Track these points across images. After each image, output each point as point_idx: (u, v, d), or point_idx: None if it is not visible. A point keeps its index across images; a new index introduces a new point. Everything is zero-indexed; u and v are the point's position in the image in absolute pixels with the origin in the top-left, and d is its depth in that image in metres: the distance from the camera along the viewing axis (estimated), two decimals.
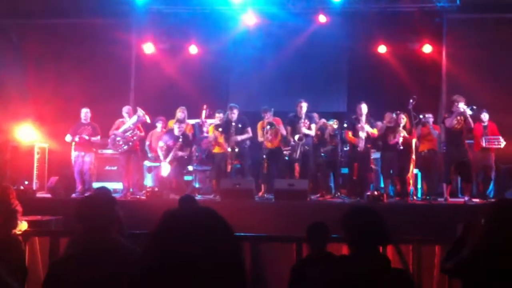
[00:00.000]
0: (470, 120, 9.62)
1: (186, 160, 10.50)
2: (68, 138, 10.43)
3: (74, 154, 10.49)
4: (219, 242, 1.56)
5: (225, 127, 10.34)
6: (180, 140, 10.16)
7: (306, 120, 10.19)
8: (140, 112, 10.48)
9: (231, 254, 1.57)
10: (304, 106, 10.24)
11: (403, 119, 9.98)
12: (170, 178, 10.18)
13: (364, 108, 10.20)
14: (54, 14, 12.37)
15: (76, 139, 10.39)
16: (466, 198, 9.57)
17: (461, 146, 9.78)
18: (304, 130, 10.12)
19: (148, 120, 10.64)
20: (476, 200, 9.67)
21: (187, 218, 1.62)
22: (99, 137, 10.59)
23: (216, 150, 10.58)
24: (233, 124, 10.22)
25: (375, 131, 10.21)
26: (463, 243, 3.54)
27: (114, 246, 2.76)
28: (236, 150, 10.11)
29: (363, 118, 10.15)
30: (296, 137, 10.09)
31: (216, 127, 10.51)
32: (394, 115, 10.12)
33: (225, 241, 1.59)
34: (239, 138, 10.18)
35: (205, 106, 11.44)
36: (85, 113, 10.59)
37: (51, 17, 12.46)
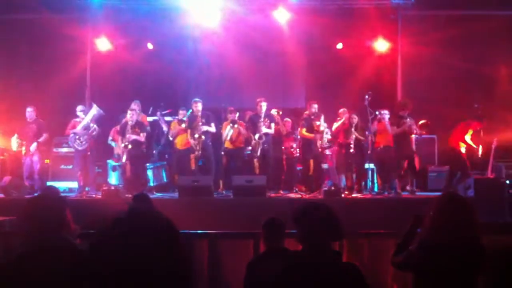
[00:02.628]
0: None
1: (144, 153, 10.43)
2: (13, 141, 10.39)
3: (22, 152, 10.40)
4: (162, 245, 1.57)
5: (190, 121, 10.38)
6: (131, 123, 10.13)
7: (267, 119, 10.29)
8: (96, 107, 10.35)
9: (175, 257, 1.58)
10: (264, 105, 10.34)
11: (355, 119, 10.23)
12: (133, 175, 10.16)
13: (314, 107, 10.47)
14: (6, 9, 12.02)
15: (13, 142, 10.39)
16: (409, 188, 10.06)
17: (411, 144, 10.06)
18: (264, 129, 10.20)
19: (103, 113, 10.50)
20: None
21: (130, 221, 1.62)
22: (44, 135, 10.44)
23: (179, 146, 10.59)
24: (198, 116, 10.30)
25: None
26: (412, 235, 3.61)
27: (61, 246, 2.72)
28: (203, 137, 10.16)
29: (321, 119, 10.35)
30: (257, 136, 10.17)
31: (179, 122, 10.53)
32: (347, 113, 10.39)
33: (169, 244, 1.59)
34: (203, 128, 10.22)
35: (162, 104, 11.44)
36: (29, 112, 10.50)
37: (3, 12, 12.10)
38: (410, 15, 12.33)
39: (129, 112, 10.25)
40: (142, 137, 10.22)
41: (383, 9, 12.23)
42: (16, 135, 10.46)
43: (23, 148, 10.39)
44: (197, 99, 10.46)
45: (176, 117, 11.21)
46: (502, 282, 3.28)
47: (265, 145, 10.25)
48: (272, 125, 10.41)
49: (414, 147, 10.28)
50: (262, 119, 10.27)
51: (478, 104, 10.71)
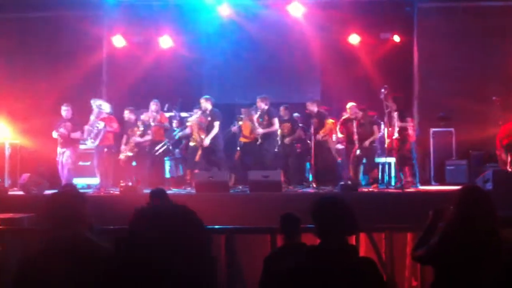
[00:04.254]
0: None
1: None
2: (54, 134, 10.36)
3: (58, 150, 10.40)
4: (190, 239, 1.57)
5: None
6: (140, 127, 10.42)
7: (266, 117, 10.33)
8: (95, 103, 10.35)
9: (201, 251, 1.58)
10: (261, 103, 10.36)
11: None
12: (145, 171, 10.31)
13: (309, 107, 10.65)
14: (24, 8, 12.13)
15: (54, 135, 10.28)
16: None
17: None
18: (260, 130, 10.27)
19: (107, 110, 10.49)
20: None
21: (157, 216, 1.62)
22: (79, 133, 10.45)
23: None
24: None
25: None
26: (433, 229, 3.60)
27: (81, 242, 2.74)
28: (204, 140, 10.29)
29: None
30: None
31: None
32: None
33: (196, 238, 1.59)
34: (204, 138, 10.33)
35: (180, 100, 11.51)
36: (64, 110, 10.47)
37: (20, 10, 12.21)
38: (426, 7, 12.22)
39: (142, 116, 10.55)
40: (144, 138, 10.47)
41: (399, 1, 12.15)
42: (54, 132, 10.40)
43: (58, 146, 10.43)
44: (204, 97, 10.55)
45: (191, 113, 11.32)
46: None
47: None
48: (275, 120, 10.40)
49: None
50: (257, 119, 10.33)
51: (496, 96, 10.61)
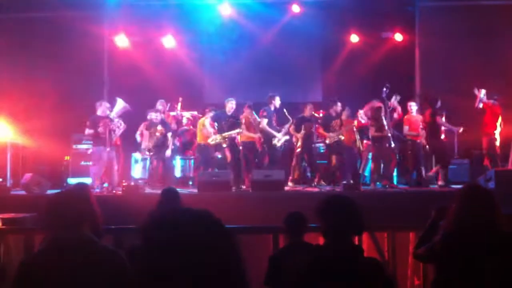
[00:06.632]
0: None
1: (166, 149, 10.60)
2: (88, 131, 10.11)
3: (97, 148, 10.13)
4: (213, 245, 1.53)
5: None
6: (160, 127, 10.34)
7: (231, 120, 10.41)
8: (122, 102, 10.29)
9: (226, 255, 1.54)
10: (230, 104, 10.44)
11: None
12: (157, 169, 10.37)
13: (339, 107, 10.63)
14: (25, 8, 12.14)
15: (99, 130, 10.05)
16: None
17: None
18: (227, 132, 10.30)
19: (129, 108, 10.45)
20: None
21: (177, 221, 1.57)
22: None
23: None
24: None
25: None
26: (435, 228, 3.59)
27: (83, 243, 2.73)
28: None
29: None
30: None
31: None
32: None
33: (219, 242, 1.56)
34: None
35: (180, 99, 11.48)
36: (107, 107, 10.21)
37: (21, 10, 12.22)
38: (428, 6, 12.22)
39: (153, 114, 10.42)
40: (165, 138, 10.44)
41: (400, 0, 12.15)
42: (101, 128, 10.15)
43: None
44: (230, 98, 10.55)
45: (192, 112, 11.35)
46: None
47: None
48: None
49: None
50: (227, 119, 10.37)
51: (498, 95, 10.60)
